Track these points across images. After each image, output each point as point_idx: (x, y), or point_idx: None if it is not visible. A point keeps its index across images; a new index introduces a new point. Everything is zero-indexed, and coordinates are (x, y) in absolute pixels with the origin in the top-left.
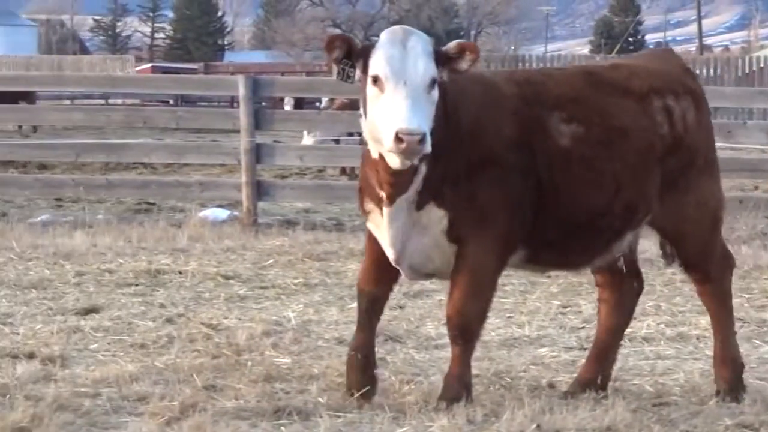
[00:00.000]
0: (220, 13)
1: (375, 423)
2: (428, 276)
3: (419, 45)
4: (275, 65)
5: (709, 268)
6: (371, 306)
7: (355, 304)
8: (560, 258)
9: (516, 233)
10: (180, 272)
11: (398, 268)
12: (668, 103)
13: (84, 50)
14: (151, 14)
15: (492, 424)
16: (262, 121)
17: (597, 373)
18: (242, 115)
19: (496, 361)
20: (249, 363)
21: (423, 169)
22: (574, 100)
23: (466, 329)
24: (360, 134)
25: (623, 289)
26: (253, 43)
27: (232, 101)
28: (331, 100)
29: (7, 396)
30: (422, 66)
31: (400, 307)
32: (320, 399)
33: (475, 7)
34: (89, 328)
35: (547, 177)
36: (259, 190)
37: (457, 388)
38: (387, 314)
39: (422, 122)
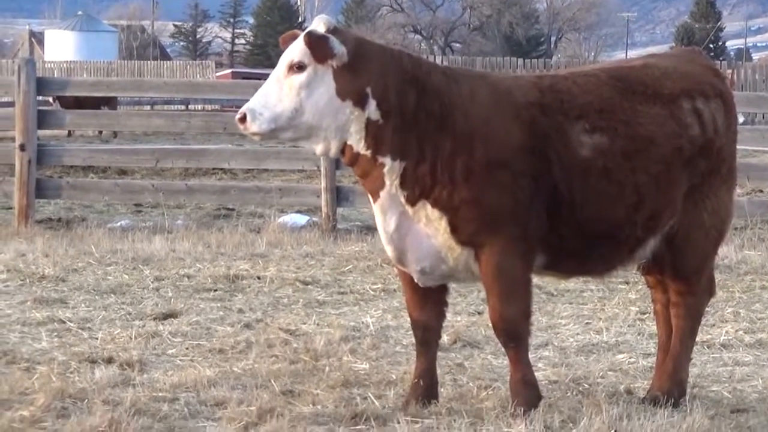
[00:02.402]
0: (300, 19)
1: (452, 428)
2: (444, 279)
3: (305, 33)
4: None
5: (696, 284)
6: (424, 334)
7: None
8: (581, 266)
9: (532, 236)
10: (259, 278)
11: (403, 269)
12: (698, 105)
13: (164, 56)
14: (231, 20)
15: (569, 430)
16: None
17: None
18: None
19: (574, 368)
20: (327, 368)
21: (388, 162)
22: (599, 110)
23: (512, 332)
24: None
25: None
26: None
27: None
28: None
29: (86, 400)
30: (286, 53)
31: (479, 313)
32: (398, 404)
33: (556, 13)
34: (167, 333)
35: (566, 187)
36: (339, 195)
37: (525, 390)
38: (465, 320)
39: (253, 103)
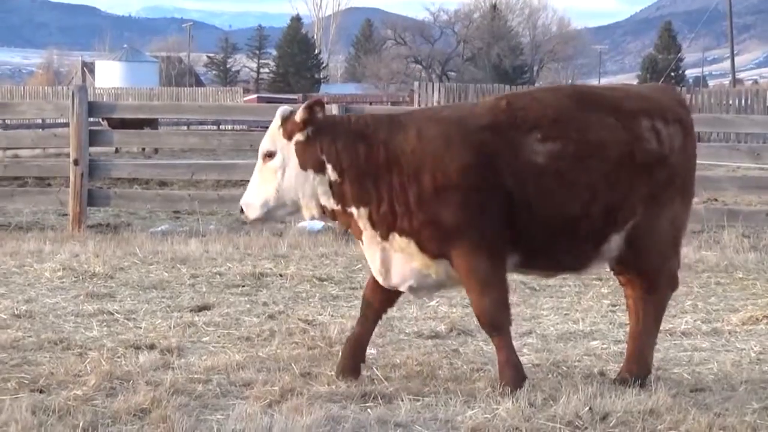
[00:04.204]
0: (317, 51)
1: (449, 406)
2: (435, 289)
3: (270, 125)
4: (365, 96)
5: (658, 281)
6: (366, 310)
7: (432, 303)
8: (552, 262)
9: (492, 238)
10: (281, 275)
11: (397, 289)
12: (657, 125)
13: (199, 83)
14: (257, 52)
15: (550, 406)
16: None
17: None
18: None
19: (554, 353)
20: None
21: (355, 211)
22: (553, 120)
23: (492, 323)
24: None
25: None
26: (345, 76)
27: None
28: None
29: (131, 381)
30: (261, 146)
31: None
32: (401, 385)
33: (538, 46)
34: (202, 323)
35: (519, 192)
36: None
37: (510, 371)
38: (460, 311)
39: (246, 196)
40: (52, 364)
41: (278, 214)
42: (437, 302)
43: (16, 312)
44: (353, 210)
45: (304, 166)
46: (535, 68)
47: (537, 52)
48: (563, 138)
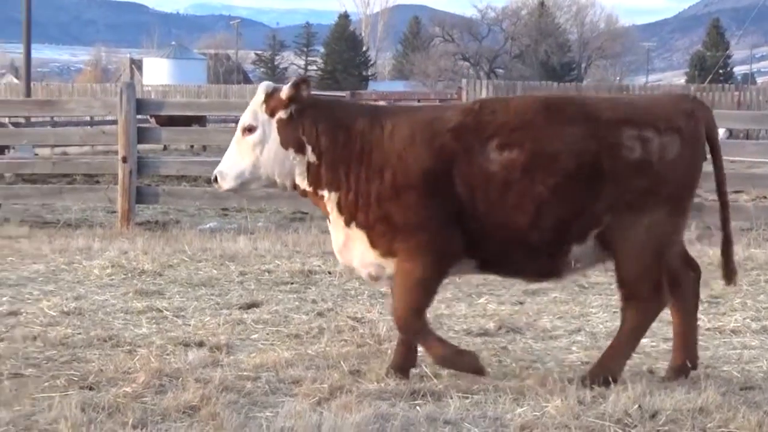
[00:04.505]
0: (364, 48)
1: (498, 403)
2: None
3: (253, 99)
4: (412, 93)
5: (637, 290)
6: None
7: (480, 300)
8: (512, 270)
9: (440, 244)
10: (329, 272)
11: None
12: (645, 134)
13: (247, 80)
14: (305, 49)
15: (600, 404)
16: None
17: (685, 359)
18: None
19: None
20: (389, 351)
21: (326, 194)
22: (513, 129)
23: (403, 327)
24: None
25: (681, 279)
26: (393, 74)
27: None
28: None
29: (180, 379)
30: (241, 119)
31: (520, 303)
32: (450, 382)
33: (586, 43)
34: (251, 321)
35: (468, 199)
36: None
37: (449, 360)
38: (508, 309)
39: (221, 166)
40: (101, 361)
41: (251, 187)
42: (486, 300)
43: (65, 309)
44: (324, 193)
45: (285, 144)
46: (583, 65)
47: (585, 50)
48: (518, 148)
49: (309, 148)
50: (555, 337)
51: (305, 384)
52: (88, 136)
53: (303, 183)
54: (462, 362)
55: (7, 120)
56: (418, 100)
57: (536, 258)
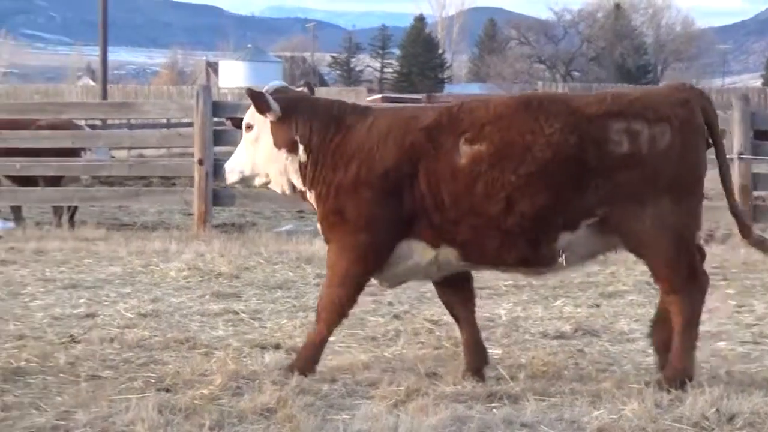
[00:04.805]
0: (440, 51)
1: (575, 406)
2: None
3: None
4: (488, 96)
5: (673, 282)
6: (453, 313)
7: (557, 303)
8: (490, 257)
9: (381, 244)
10: None
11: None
12: (634, 126)
13: (323, 83)
14: (381, 51)
15: (677, 407)
16: None
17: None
18: None
19: None
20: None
21: (311, 192)
22: (484, 124)
23: (319, 314)
24: None
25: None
26: (469, 76)
27: None
28: None
29: (257, 381)
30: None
31: (596, 306)
32: (527, 385)
33: (662, 45)
34: None
35: (431, 193)
36: None
37: (302, 357)
38: (585, 311)
39: (228, 161)
40: (178, 363)
41: (254, 182)
42: (562, 302)
43: (142, 311)
44: (312, 191)
45: (277, 144)
46: (659, 68)
47: (661, 52)
48: (487, 140)
49: (301, 147)
50: (632, 339)
51: (381, 387)
52: (165, 138)
53: (298, 183)
54: (306, 366)
55: (83, 122)
56: None
57: (515, 245)
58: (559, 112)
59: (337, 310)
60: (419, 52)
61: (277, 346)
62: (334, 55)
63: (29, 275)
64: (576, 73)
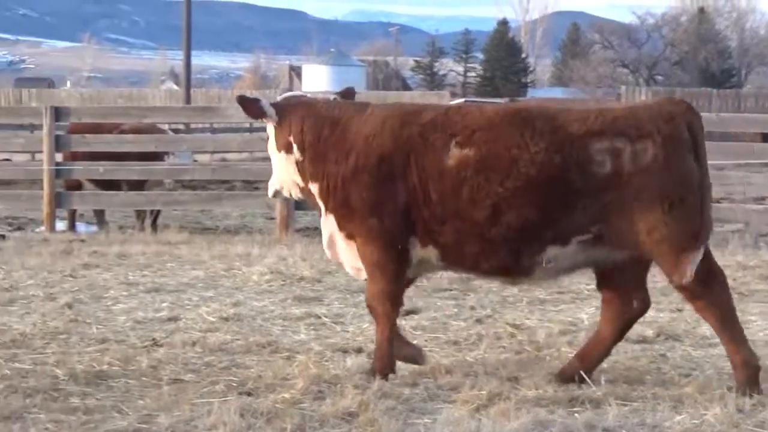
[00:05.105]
0: (523, 55)
1: (657, 411)
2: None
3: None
4: (571, 100)
5: (692, 289)
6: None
7: None
8: (468, 262)
9: (389, 228)
10: None
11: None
12: (616, 144)
13: (406, 87)
14: (464, 55)
15: (759, 412)
16: None
17: (577, 370)
18: None
19: (763, 358)
20: (547, 358)
21: (312, 186)
22: (474, 131)
23: (372, 307)
24: None
25: (620, 308)
26: (552, 80)
27: None
28: None
29: (338, 385)
30: None
31: (679, 310)
32: (609, 389)
33: (746, 49)
34: (409, 327)
35: (422, 188)
36: None
37: (379, 358)
38: (667, 316)
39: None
40: (260, 367)
41: (282, 194)
42: None
43: (224, 315)
44: (311, 186)
45: (278, 148)
46: (743, 72)
47: (745, 56)
48: (476, 148)
49: (295, 147)
50: (714, 344)
51: (463, 391)
52: (247, 142)
53: (301, 182)
54: (385, 365)
55: (167, 126)
56: None
57: (495, 253)
58: (544, 131)
59: (386, 299)
60: (502, 56)
61: (359, 350)
62: (418, 59)
63: (112, 279)
64: (659, 77)
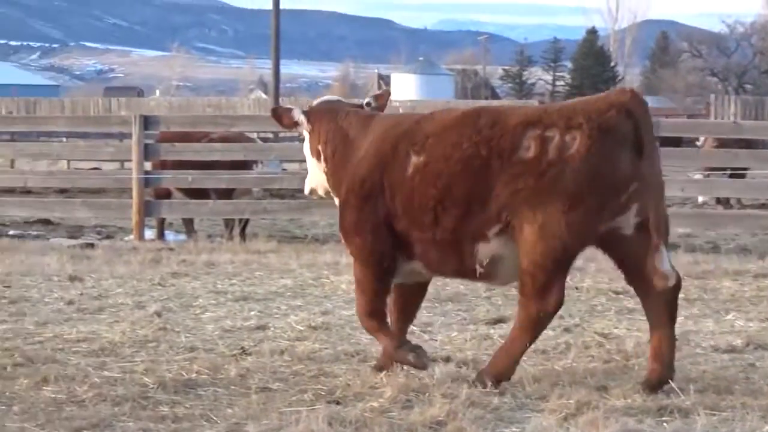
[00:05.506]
0: (612, 64)
1: (746, 421)
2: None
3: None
4: (661, 109)
5: (527, 288)
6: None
7: (728, 317)
8: (436, 267)
9: (372, 246)
10: (576, 288)
11: None
12: (547, 134)
13: (494, 96)
14: (552, 64)
15: None
16: None
17: (660, 372)
18: None
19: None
20: (636, 367)
21: (336, 199)
22: (427, 136)
23: (362, 323)
24: (731, 169)
25: (655, 292)
26: (641, 89)
27: None
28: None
29: (427, 394)
30: None
31: None
32: (698, 399)
33: None
34: (498, 336)
35: (391, 202)
36: None
37: (391, 358)
38: (756, 325)
39: None
40: (348, 376)
41: (318, 193)
42: (733, 316)
43: (312, 324)
44: (335, 197)
45: (311, 153)
46: None
47: None
48: (426, 153)
49: (322, 156)
50: None
51: (552, 400)
52: None
53: (330, 189)
54: (407, 358)
55: (255, 135)
56: (666, 116)
57: (447, 256)
58: (483, 127)
59: (368, 315)
60: (591, 65)
61: (447, 359)
62: (506, 67)
63: (201, 287)
64: (748, 86)
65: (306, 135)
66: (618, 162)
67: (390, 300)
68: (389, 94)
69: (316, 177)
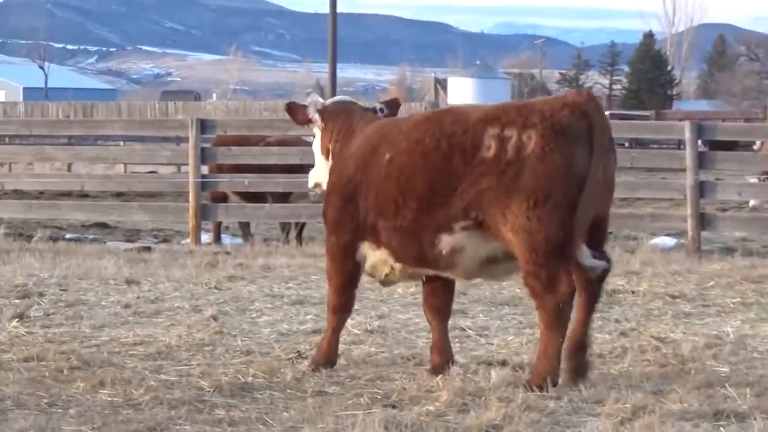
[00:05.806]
0: (669, 68)
1: None
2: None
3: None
4: (717, 113)
5: (533, 287)
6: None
7: None
8: (414, 260)
9: (346, 242)
10: (633, 292)
11: None
12: (505, 132)
13: None
14: (609, 68)
15: None
16: (705, 161)
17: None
18: (688, 156)
19: None
20: (692, 371)
21: None
22: (395, 137)
23: (328, 305)
24: None
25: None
26: (698, 93)
27: (679, 144)
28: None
29: (483, 398)
30: None
31: None
32: (755, 403)
33: None
34: None
35: (365, 198)
36: (703, 221)
37: (320, 351)
38: None
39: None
40: (404, 379)
41: (321, 188)
42: None
43: (368, 327)
44: None
45: (322, 151)
46: None
47: None
48: (392, 151)
49: (330, 154)
50: None
51: (608, 404)
52: None
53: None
54: (325, 359)
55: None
56: (723, 120)
57: (415, 246)
58: (446, 124)
59: (332, 311)
60: (648, 69)
61: (503, 363)
62: (563, 71)
63: (257, 291)
64: None
65: (318, 133)
66: (573, 159)
67: (423, 302)
68: (399, 103)
69: (322, 173)
